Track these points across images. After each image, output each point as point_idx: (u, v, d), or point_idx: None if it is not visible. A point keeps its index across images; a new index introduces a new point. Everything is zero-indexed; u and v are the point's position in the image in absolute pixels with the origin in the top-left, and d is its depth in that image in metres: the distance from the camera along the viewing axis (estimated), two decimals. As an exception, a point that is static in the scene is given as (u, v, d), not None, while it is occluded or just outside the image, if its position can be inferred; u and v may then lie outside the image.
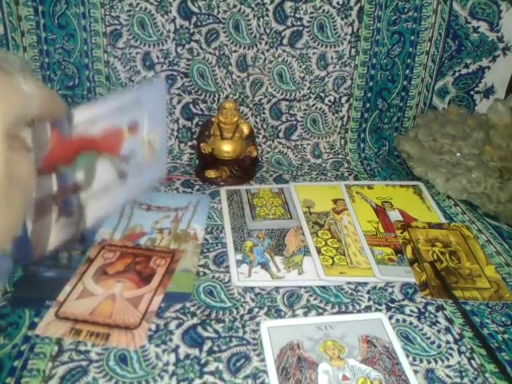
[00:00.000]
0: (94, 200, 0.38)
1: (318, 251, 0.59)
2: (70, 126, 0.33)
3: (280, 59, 0.79)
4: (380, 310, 0.51)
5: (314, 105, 0.82)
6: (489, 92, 0.85)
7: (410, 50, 0.81)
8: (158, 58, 0.76)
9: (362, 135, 0.86)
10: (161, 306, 0.50)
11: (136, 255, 0.56)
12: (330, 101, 0.83)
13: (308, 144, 0.84)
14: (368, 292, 0.54)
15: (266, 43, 0.77)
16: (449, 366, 0.45)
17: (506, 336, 0.49)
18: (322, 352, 0.45)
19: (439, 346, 0.47)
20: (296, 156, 0.83)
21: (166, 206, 0.66)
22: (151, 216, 0.64)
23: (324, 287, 0.54)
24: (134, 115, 0.40)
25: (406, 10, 0.78)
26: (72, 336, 0.45)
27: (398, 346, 0.46)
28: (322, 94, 0.82)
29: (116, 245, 0.58)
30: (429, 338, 0.48)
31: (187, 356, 0.45)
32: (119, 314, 0.48)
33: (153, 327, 0.48)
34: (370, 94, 0.83)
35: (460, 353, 0.47)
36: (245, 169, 0.75)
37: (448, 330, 0.49)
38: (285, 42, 0.77)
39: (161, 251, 0.57)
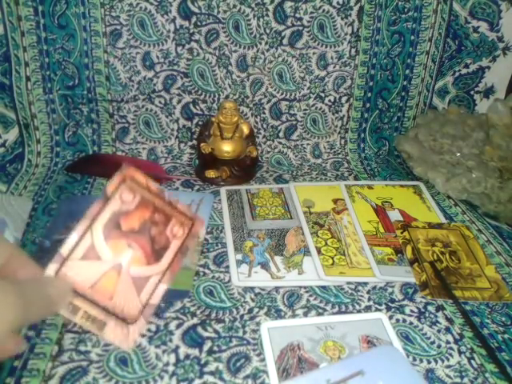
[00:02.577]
0: None
1: (318, 251, 0.59)
2: None
3: (280, 59, 0.79)
4: (380, 310, 0.51)
5: (313, 105, 0.82)
6: (489, 92, 0.85)
7: (410, 49, 0.81)
8: (158, 57, 0.76)
9: (362, 135, 0.86)
10: (160, 306, 0.50)
11: (156, 209, 0.49)
12: (330, 101, 0.83)
13: (308, 144, 0.84)
14: (368, 292, 0.54)
15: (266, 43, 0.77)
16: (449, 366, 0.45)
17: (506, 336, 0.49)
18: (323, 353, 0.45)
19: (439, 346, 0.47)
20: (296, 156, 0.83)
21: None
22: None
23: (324, 287, 0.54)
24: None
25: (406, 10, 0.78)
26: (68, 313, 0.40)
27: (398, 345, 0.46)
28: (322, 94, 0.82)
29: (139, 182, 0.48)
30: (429, 338, 0.48)
31: (187, 356, 0.45)
32: (121, 297, 0.43)
33: (153, 328, 0.48)
34: (370, 94, 0.83)
35: (460, 353, 0.47)
36: (245, 169, 0.75)
37: (448, 330, 0.49)
38: (285, 41, 0.77)
39: (182, 214, 0.49)
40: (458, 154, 0.74)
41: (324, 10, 0.76)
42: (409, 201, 0.71)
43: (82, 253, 0.43)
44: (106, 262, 0.44)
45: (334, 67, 0.80)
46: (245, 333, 0.48)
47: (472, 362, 0.46)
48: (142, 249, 0.45)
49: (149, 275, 0.45)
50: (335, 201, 0.69)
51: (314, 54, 0.79)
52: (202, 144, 0.74)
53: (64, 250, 0.42)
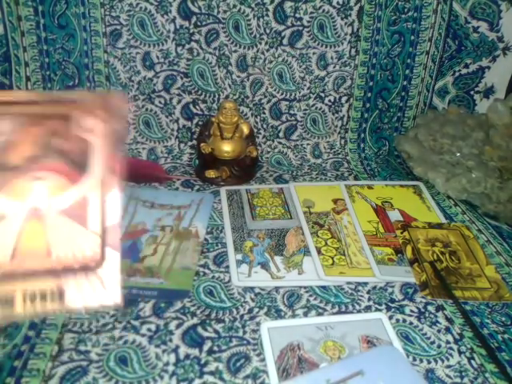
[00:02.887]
0: None
1: (318, 251, 0.59)
2: None
3: (280, 59, 0.79)
4: (380, 310, 0.51)
5: (313, 105, 0.82)
6: (489, 92, 0.84)
7: (410, 49, 0.81)
8: (157, 57, 0.76)
9: (362, 135, 0.86)
10: (160, 304, 0.50)
11: (46, 117, 0.35)
12: (330, 101, 0.83)
13: (308, 144, 0.84)
14: (368, 292, 0.54)
15: (266, 43, 0.77)
16: (449, 366, 0.45)
17: (506, 336, 0.49)
18: (323, 353, 0.45)
19: (439, 346, 0.47)
20: (296, 156, 0.83)
21: (169, 203, 0.67)
22: (154, 213, 0.64)
23: (324, 287, 0.54)
24: None
25: (406, 10, 0.78)
26: (2, 307, 0.30)
27: (398, 345, 0.46)
28: (322, 94, 0.82)
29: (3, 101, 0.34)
30: (429, 338, 0.48)
31: (187, 356, 0.45)
32: (60, 244, 0.31)
33: (153, 328, 0.48)
34: (369, 94, 0.83)
35: (460, 353, 0.47)
36: (245, 169, 0.75)
37: (448, 330, 0.49)
38: (285, 41, 0.77)
39: (87, 104, 0.37)
40: (458, 154, 0.74)
41: (324, 10, 0.76)
42: (409, 201, 0.71)
43: None
44: (12, 216, 0.32)
45: (334, 67, 0.80)
46: (245, 333, 0.48)
47: (472, 362, 0.46)
48: (55, 171, 0.34)
49: (83, 195, 0.34)
50: (335, 201, 0.69)
51: (313, 54, 0.79)
52: (201, 144, 0.74)
53: None
